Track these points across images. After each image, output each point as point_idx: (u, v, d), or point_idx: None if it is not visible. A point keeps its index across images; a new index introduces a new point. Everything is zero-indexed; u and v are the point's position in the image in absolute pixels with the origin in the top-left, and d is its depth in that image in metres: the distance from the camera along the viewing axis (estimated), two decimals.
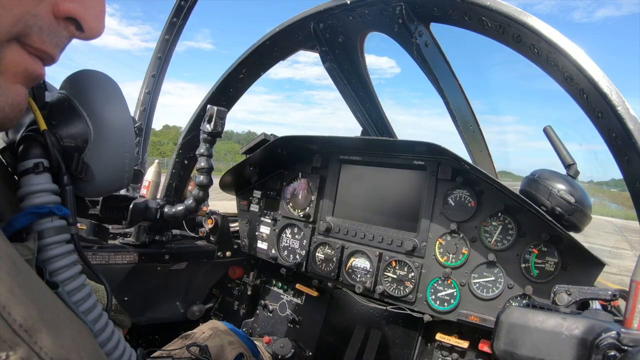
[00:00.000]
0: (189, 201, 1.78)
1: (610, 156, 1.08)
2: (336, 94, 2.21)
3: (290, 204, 2.01)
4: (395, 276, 1.66)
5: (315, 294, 1.97)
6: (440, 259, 1.56)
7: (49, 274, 0.61)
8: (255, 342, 1.72)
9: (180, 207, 1.81)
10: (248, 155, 1.94)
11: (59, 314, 0.48)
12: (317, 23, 1.65)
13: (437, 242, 1.58)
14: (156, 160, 2.09)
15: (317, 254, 1.89)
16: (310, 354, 1.93)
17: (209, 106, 1.62)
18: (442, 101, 1.71)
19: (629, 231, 20.90)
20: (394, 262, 1.66)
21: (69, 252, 0.64)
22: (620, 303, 1.01)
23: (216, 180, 1.88)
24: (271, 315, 2.14)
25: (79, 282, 0.64)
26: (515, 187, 1.42)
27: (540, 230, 1.37)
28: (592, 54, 0.97)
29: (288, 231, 2.03)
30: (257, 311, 2.19)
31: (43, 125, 0.66)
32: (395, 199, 1.73)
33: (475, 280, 1.48)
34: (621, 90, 0.97)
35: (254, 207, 2.16)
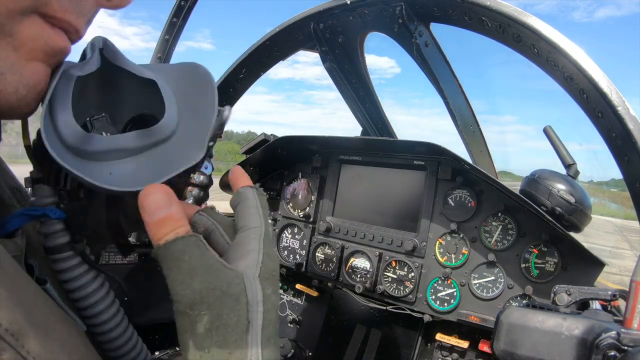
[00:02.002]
0: (189, 201, 1.78)
1: (610, 156, 1.08)
2: (336, 94, 2.20)
3: (290, 204, 2.01)
4: (395, 276, 1.66)
5: (315, 294, 1.97)
6: (440, 259, 1.56)
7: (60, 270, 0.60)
8: None
9: None
10: (248, 155, 1.94)
11: (49, 315, 0.46)
12: (317, 23, 1.64)
13: (437, 242, 1.58)
14: None
15: (317, 254, 1.89)
16: (310, 354, 1.93)
17: None
18: (442, 101, 1.71)
19: (629, 231, 20.88)
20: (394, 262, 1.66)
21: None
22: (620, 303, 1.01)
23: (216, 180, 1.88)
24: None
25: (92, 274, 0.63)
26: (515, 187, 1.41)
27: (540, 230, 1.37)
28: (592, 54, 0.97)
29: (288, 231, 2.03)
30: None
31: None
32: (395, 199, 1.73)
33: (475, 281, 1.48)
34: (621, 90, 0.97)
35: None
